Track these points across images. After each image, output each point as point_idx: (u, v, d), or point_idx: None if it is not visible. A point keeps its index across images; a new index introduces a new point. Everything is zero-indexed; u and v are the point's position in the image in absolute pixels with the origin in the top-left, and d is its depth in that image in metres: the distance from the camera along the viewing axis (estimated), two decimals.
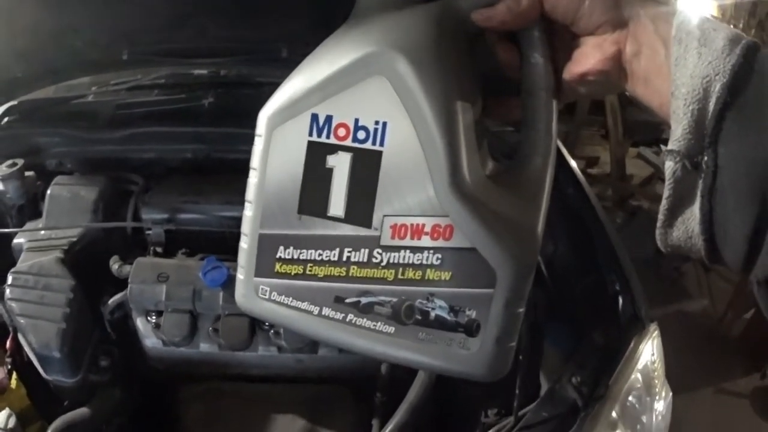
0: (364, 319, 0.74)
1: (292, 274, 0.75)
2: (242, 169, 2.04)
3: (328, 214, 0.72)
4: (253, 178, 0.76)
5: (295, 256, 0.74)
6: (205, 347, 1.73)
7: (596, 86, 0.75)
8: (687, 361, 1.89)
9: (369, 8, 0.77)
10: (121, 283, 1.74)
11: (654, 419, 1.58)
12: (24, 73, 2.11)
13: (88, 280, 1.71)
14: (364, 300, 0.74)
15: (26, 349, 1.62)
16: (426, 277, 0.71)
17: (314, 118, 0.71)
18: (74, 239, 1.78)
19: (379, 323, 0.74)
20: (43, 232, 1.80)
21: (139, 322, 1.74)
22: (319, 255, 0.74)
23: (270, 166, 0.74)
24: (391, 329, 0.74)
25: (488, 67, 0.80)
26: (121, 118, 2.19)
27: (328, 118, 0.71)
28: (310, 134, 0.72)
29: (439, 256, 0.71)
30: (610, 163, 6.58)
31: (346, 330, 0.75)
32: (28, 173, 1.95)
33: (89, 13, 1.90)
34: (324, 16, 1.95)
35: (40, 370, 1.63)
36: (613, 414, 1.50)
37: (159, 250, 1.88)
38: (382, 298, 0.73)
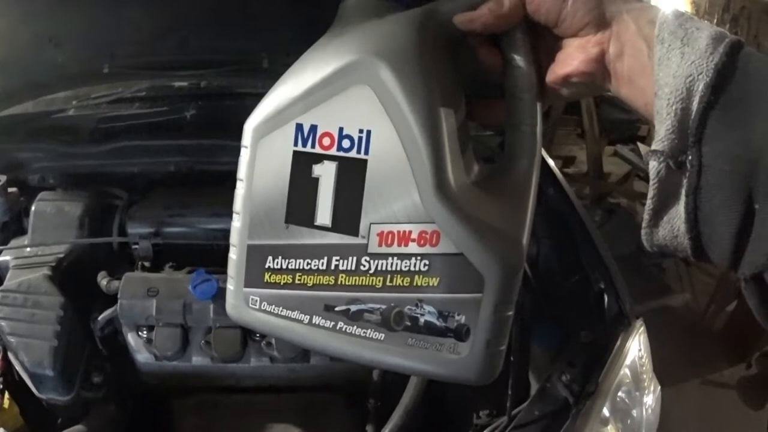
0: (354, 327, 0.75)
1: (282, 283, 0.76)
2: (226, 180, 2.04)
3: (315, 223, 0.73)
4: (240, 189, 0.77)
5: (284, 266, 0.75)
6: (197, 360, 1.73)
7: (580, 88, 0.76)
8: (672, 354, 1.90)
9: (351, 16, 0.77)
10: (111, 299, 1.73)
11: (644, 413, 1.60)
12: (3, 87, 2.10)
13: (77, 297, 1.71)
14: (353, 308, 0.74)
15: (18, 368, 1.61)
16: (414, 284, 0.72)
17: (299, 128, 0.72)
18: (61, 255, 1.77)
19: (369, 330, 0.75)
20: (29, 249, 1.79)
21: (130, 338, 1.73)
22: (308, 264, 0.74)
23: (257, 177, 0.75)
24: (381, 336, 0.75)
25: (472, 70, 0.80)
26: (103, 131, 2.18)
27: (313, 128, 0.71)
28: (296, 144, 0.72)
29: (427, 262, 0.71)
30: (587, 162, 6.59)
31: (337, 338, 0.75)
32: (10, 189, 1.94)
33: (69, 27, 1.89)
34: (305, 26, 1.96)
35: (33, 389, 1.63)
36: (604, 410, 1.51)
37: (147, 264, 1.88)
38: (372, 305, 0.73)
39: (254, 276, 0.77)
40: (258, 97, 2.03)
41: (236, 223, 0.77)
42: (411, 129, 0.69)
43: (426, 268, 0.71)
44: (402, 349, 0.75)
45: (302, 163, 0.72)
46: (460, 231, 0.70)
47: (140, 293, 1.69)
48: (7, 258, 1.78)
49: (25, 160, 2.07)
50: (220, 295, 1.66)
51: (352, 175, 0.71)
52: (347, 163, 0.70)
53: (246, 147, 0.76)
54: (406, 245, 0.71)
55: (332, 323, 0.75)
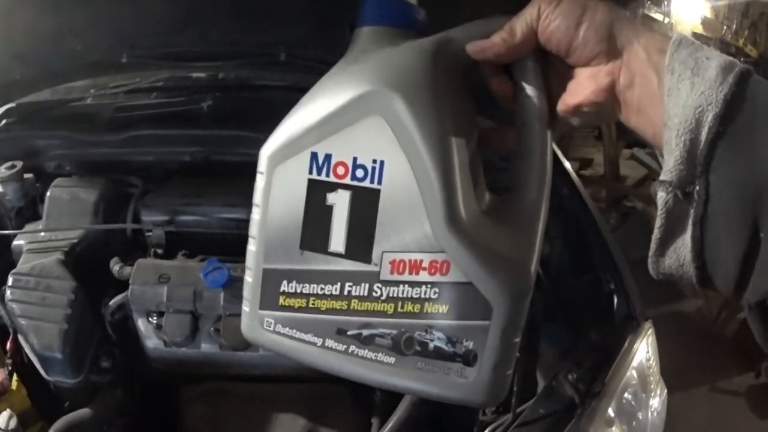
0: (366, 350, 0.76)
1: (296, 307, 0.77)
2: (241, 171, 2.05)
3: (329, 250, 0.74)
4: (255, 215, 0.78)
5: (299, 290, 0.76)
6: (206, 347, 1.74)
7: (590, 117, 0.76)
8: (682, 360, 1.90)
9: (365, 43, 0.79)
10: (122, 285, 1.74)
11: (650, 415, 1.60)
12: (23, 75, 2.11)
13: (89, 282, 1.72)
14: (365, 332, 0.75)
15: (27, 350, 1.62)
16: (424, 310, 0.73)
17: (314, 156, 0.73)
18: (75, 241, 1.79)
19: (379, 354, 0.76)
20: (43, 233, 1.81)
21: (141, 323, 1.74)
22: (321, 289, 0.75)
23: (272, 203, 0.76)
24: (392, 359, 0.76)
25: (483, 97, 0.81)
26: (120, 120, 2.19)
27: (327, 157, 0.72)
28: (310, 172, 0.73)
29: (437, 290, 0.72)
30: (603, 165, 6.58)
31: (348, 360, 0.77)
32: (27, 175, 1.95)
33: (89, 16, 1.90)
34: (322, 20, 1.98)
35: (42, 372, 1.64)
36: (610, 410, 1.51)
37: (159, 251, 1.89)
38: (383, 330, 0.75)
39: (269, 299, 0.78)
40: (275, 89, 2.06)
41: (252, 247, 0.78)
42: (423, 160, 0.70)
43: (436, 295, 0.72)
44: (411, 372, 0.76)
45: (317, 192, 0.73)
46: (470, 261, 0.71)
47: (152, 280, 1.70)
48: (21, 242, 1.79)
49: (41, 147, 2.09)
50: (230, 283, 1.67)
51: (366, 204, 0.72)
52: (361, 193, 0.71)
53: (262, 173, 0.77)
54: (417, 273, 0.72)
55: (344, 346, 0.76)
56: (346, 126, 0.72)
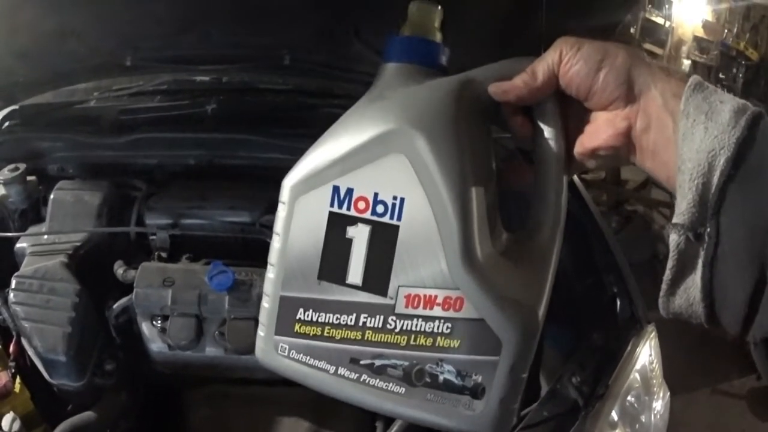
0: (377, 380, 0.78)
1: (311, 334, 0.78)
2: (245, 174, 2.05)
3: (347, 282, 0.75)
4: (275, 243, 0.78)
5: (314, 319, 0.77)
6: (211, 351, 1.73)
7: (606, 159, 0.78)
8: (683, 362, 1.91)
9: (390, 79, 0.80)
10: (126, 288, 1.74)
11: (653, 418, 1.61)
12: (26, 77, 2.12)
13: (92, 285, 1.72)
14: (377, 362, 0.77)
15: (30, 353, 1.62)
16: (436, 344, 0.75)
17: (336, 190, 0.74)
18: (78, 244, 1.79)
19: (390, 384, 0.78)
20: (46, 236, 1.80)
21: (145, 327, 1.74)
22: (337, 319, 0.77)
23: (293, 233, 0.77)
24: (402, 390, 0.78)
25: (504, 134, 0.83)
26: (124, 123, 2.19)
27: (349, 191, 0.74)
28: (332, 205, 0.75)
29: (449, 325, 0.74)
30: (604, 168, 6.58)
31: (360, 389, 0.79)
32: (30, 178, 1.95)
33: (92, 18, 1.90)
34: (326, 24, 1.99)
35: (45, 374, 1.64)
36: (613, 413, 1.52)
37: (163, 254, 1.89)
38: (395, 361, 0.76)
39: (285, 325, 0.79)
40: (279, 93, 2.07)
41: (270, 275, 0.79)
42: (443, 200, 0.71)
43: (448, 330, 0.74)
44: (421, 403, 0.78)
45: (337, 224, 0.74)
46: (483, 300, 0.73)
47: (156, 283, 1.70)
48: (24, 245, 1.79)
49: (44, 150, 2.09)
50: (235, 286, 1.68)
51: (384, 239, 0.73)
52: (380, 228, 0.73)
53: (284, 203, 0.79)
54: (431, 308, 0.73)
55: (357, 375, 0.78)
56: (368, 162, 0.73)
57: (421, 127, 0.72)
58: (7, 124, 2.22)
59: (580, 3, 1.89)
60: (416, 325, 0.74)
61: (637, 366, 1.64)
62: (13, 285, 1.65)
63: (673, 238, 0.66)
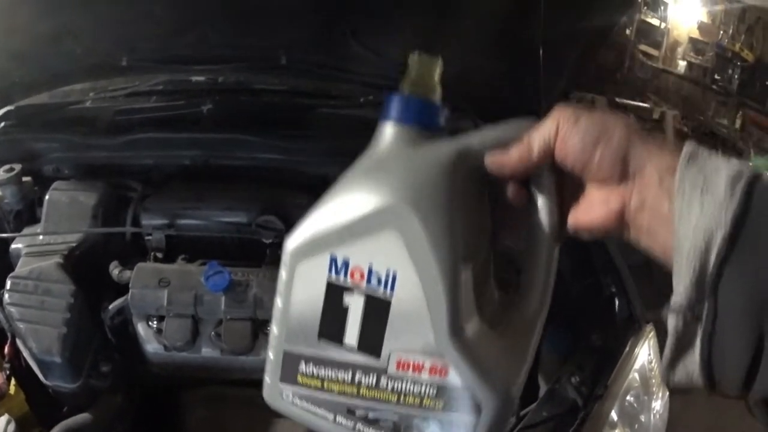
0: (370, 429, 0.81)
1: (312, 386, 0.81)
2: (241, 175, 2.05)
3: (344, 343, 0.77)
4: (278, 303, 0.80)
5: (315, 373, 0.80)
6: (207, 352, 1.73)
7: (599, 234, 0.77)
8: None
9: (387, 143, 0.80)
10: (121, 289, 1.74)
11: (652, 418, 1.60)
12: (22, 78, 2.11)
13: (88, 286, 1.71)
14: (371, 414, 0.80)
15: (26, 354, 1.62)
16: (423, 404, 0.78)
17: (333, 260, 0.76)
18: (74, 244, 1.78)
19: None
20: (41, 237, 1.80)
21: (140, 328, 1.73)
22: (335, 374, 0.79)
23: (293, 296, 0.79)
24: None
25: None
26: (120, 124, 2.19)
27: (345, 262, 0.75)
28: (329, 274, 0.76)
29: (435, 389, 0.77)
30: None
31: None
32: (25, 178, 1.94)
33: (89, 19, 1.90)
34: (323, 25, 1.99)
35: (40, 376, 1.63)
36: (612, 413, 1.51)
37: (159, 255, 1.89)
38: (386, 415, 0.80)
39: (288, 375, 0.82)
40: (275, 93, 2.05)
41: (274, 331, 0.80)
42: (433, 278, 0.73)
43: (434, 393, 0.77)
44: None
45: (334, 293, 0.76)
46: (466, 371, 0.75)
47: (152, 283, 1.70)
48: (19, 246, 1.79)
49: (40, 151, 2.08)
50: (231, 287, 1.67)
51: (378, 310, 0.75)
52: (373, 301, 0.75)
53: (285, 266, 0.79)
54: (419, 373, 0.77)
55: (352, 423, 0.81)
56: (364, 235, 0.74)
57: (415, 206, 0.73)
58: (2, 124, 2.21)
59: (578, 3, 1.89)
60: (405, 386, 0.78)
61: (636, 366, 1.64)
62: (8, 286, 1.64)
63: (671, 321, 0.66)
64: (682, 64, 10.21)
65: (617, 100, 7.66)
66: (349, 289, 0.76)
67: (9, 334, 1.63)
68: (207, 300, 1.69)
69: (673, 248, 0.65)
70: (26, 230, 1.86)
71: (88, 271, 1.77)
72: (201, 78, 2.46)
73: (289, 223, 1.91)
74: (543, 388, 1.66)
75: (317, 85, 2.52)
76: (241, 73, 2.44)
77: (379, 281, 0.75)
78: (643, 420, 1.59)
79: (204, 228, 1.91)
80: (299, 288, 0.78)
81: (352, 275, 0.75)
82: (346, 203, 0.76)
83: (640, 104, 8.53)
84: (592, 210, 0.74)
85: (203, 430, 1.75)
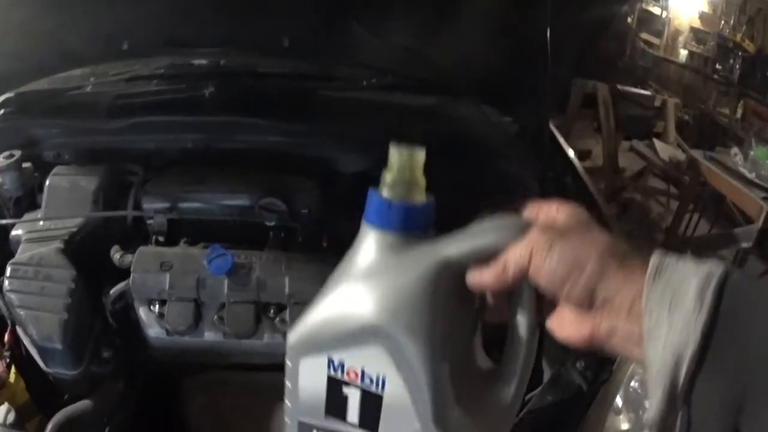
0: None
1: None
2: (243, 158, 2.03)
3: (347, 420, 0.85)
4: (288, 385, 0.87)
5: None
6: (209, 336, 1.71)
7: (576, 347, 0.79)
8: None
9: (371, 248, 0.83)
10: (123, 273, 1.72)
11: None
12: (21, 64, 2.10)
13: (88, 271, 1.70)
14: None
15: (26, 341, 1.60)
16: None
17: (330, 360, 0.82)
18: (74, 230, 1.77)
19: None
20: (42, 222, 1.79)
21: (142, 312, 1.72)
22: None
23: (300, 381, 0.85)
24: None
25: None
26: (120, 108, 2.17)
27: (341, 363, 0.82)
28: (329, 370, 0.83)
29: None
30: (602, 156, 6.61)
31: None
32: (25, 165, 1.94)
33: (89, 3, 1.88)
34: (326, 7, 1.97)
35: (41, 363, 1.62)
36: (617, 399, 1.51)
37: (161, 239, 1.88)
38: None
39: None
40: (277, 76, 2.03)
41: (288, 404, 0.88)
42: (417, 382, 0.79)
43: None
44: None
45: (335, 384, 0.83)
46: None
47: (153, 267, 1.69)
48: (20, 232, 1.77)
49: (40, 136, 2.07)
50: (234, 270, 1.67)
51: (372, 401, 0.82)
52: (368, 394, 0.82)
53: (290, 354, 0.85)
54: None
55: None
56: (355, 345, 0.81)
57: (399, 326, 0.78)
58: (2, 111, 2.19)
59: None
60: None
61: None
62: (8, 272, 1.63)
63: None
64: (683, 53, 10.20)
65: (619, 87, 7.63)
66: (347, 383, 0.83)
67: (9, 322, 1.61)
68: (209, 283, 1.68)
69: (644, 366, 0.67)
70: (26, 216, 1.85)
71: (89, 256, 1.75)
72: (203, 61, 2.43)
73: (292, 205, 1.91)
74: (547, 373, 1.65)
75: (320, 68, 2.51)
76: (244, 57, 2.43)
77: (371, 381, 0.82)
78: (647, 406, 1.58)
79: (206, 211, 1.89)
80: (304, 376, 0.85)
81: (348, 374, 0.83)
82: (336, 313, 0.82)
83: (642, 92, 8.50)
84: (565, 328, 0.76)
85: (206, 415, 1.74)
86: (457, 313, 0.83)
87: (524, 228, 0.77)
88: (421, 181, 0.81)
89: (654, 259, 0.68)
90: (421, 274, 0.79)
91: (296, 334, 0.84)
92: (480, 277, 0.78)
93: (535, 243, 0.73)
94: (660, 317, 0.65)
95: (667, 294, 0.65)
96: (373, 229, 0.82)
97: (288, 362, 0.86)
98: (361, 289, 0.81)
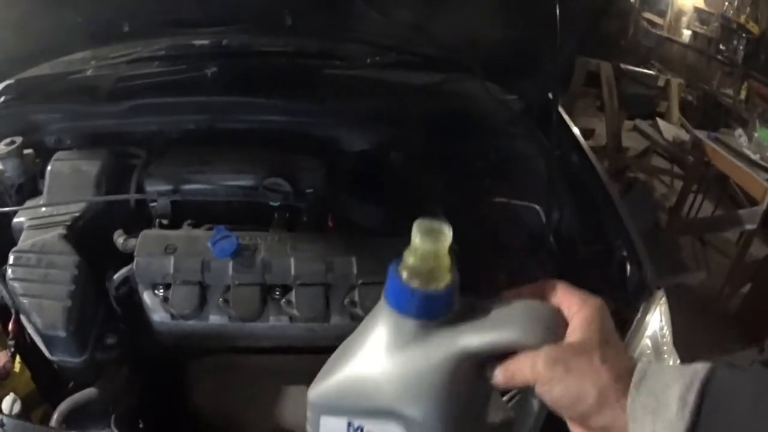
0: None
1: None
2: (247, 138, 2.01)
3: None
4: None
5: None
6: (215, 319, 1.69)
7: None
8: (686, 334, 1.89)
9: (389, 329, 0.83)
10: (126, 258, 1.70)
11: None
12: (21, 49, 2.08)
13: (92, 256, 1.68)
14: None
15: (30, 330, 1.59)
16: None
17: (350, 423, 0.86)
18: (77, 215, 1.75)
19: None
20: (44, 209, 1.77)
21: (146, 296, 1.69)
22: None
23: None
24: None
25: None
26: (122, 90, 2.15)
27: (360, 427, 0.85)
28: (348, 429, 0.86)
29: None
30: (606, 135, 6.60)
31: None
32: (26, 151, 1.92)
33: None
34: None
35: (45, 351, 1.60)
36: None
37: (164, 222, 1.86)
38: None
39: None
40: (280, 55, 2.01)
41: None
42: None
43: None
44: None
45: None
46: None
47: (157, 251, 1.67)
48: (22, 219, 1.76)
49: (41, 122, 2.06)
50: (239, 252, 1.64)
51: None
52: None
53: (310, 412, 0.88)
54: None
55: None
56: (374, 417, 0.84)
57: (417, 412, 0.81)
58: (3, 98, 2.17)
59: None
60: None
61: (648, 332, 1.62)
62: (10, 261, 1.61)
63: None
64: (686, 34, 10.13)
65: (622, 66, 7.60)
66: None
67: (12, 311, 1.60)
68: (214, 266, 1.66)
69: None
70: (28, 203, 1.83)
71: (93, 241, 1.74)
72: (204, 41, 2.40)
73: (296, 185, 1.89)
74: None
75: (322, 46, 2.48)
76: (246, 36, 2.39)
77: None
78: None
79: (210, 192, 1.88)
80: (325, 430, 0.88)
81: None
82: (358, 386, 0.84)
83: (645, 71, 8.47)
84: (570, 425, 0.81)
85: (211, 399, 1.71)
86: (473, 392, 0.85)
87: (546, 329, 0.80)
88: (446, 264, 0.80)
89: (638, 368, 0.73)
90: (441, 364, 0.81)
91: (317, 393, 0.86)
92: (492, 374, 0.82)
93: (540, 375, 0.77)
94: (644, 423, 0.69)
95: (650, 401, 0.70)
96: (393, 311, 0.81)
97: (309, 414, 0.87)
98: (383, 368, 0.83)
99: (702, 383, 0.68)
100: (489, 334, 0.81)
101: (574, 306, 0.81)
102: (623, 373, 0.74)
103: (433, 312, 0.81)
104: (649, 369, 0.73)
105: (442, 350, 0.81)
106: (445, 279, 0.80)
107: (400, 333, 0.82)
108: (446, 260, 0.80)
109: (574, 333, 0.79)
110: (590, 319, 0.79)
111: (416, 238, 0.78)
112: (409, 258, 0.79)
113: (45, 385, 1.61)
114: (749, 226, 4.90)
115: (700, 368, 0.70)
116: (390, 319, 0.82)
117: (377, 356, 0.83)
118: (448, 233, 0.78)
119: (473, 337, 0.81)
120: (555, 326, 0.81)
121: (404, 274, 0.79)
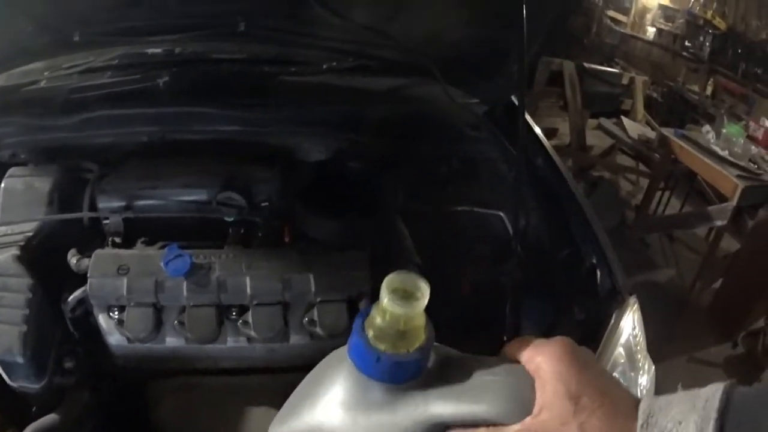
0: None
1: None
2: (201, 149, 1.97)
3: None
4: None
5: None
6: (171, 341, 1.66)
7: None
8: (658, 331, 1.89)
9: (357, 392, 0.79)
10: (82, 277, 1.66)
11: (639, 394, 1.55)
12: None
13: (47, 277, 1.64)
14: None
15: None
16: None
17: None
18: (30, 234, 1.72)
19: None
20: None
21: (102, 319, 1.66)
22: None
23: None
24: None
25: None
26: (75, 102, 2.08)
27: None
28: None
29: None
30: (569, 134, 6.64)
31: None
32: None
33: None
34: None
35: (5, 377, 1.56)
36: None
37: (117, 240, 1.82)
38: None
39: None
40: (234, 62, 1.95)
41: None
42: None
43: None
44: None
45: None
46: None
47: (110, 271, 1.63)
48: None
49: None
50: (193, 271, 1.61)
51: None
52: None
53: None
54: None
55: None
56: None
57: None
58: None
59: None
60: None
61: (622, 340, 1.60)
62: None
63: None
64: (651, 31, 10.21)
65: (585, 65, 7.65)
66: None
67: None
68: (168, 286, 1.62)
69: None
70: None
71: (47, 260, 1.70)
72: (157, 50, 2.35)
73: (251, 198, 1.86)
74: None
75: (278, 51, 2.43)
76: (199, 43, 2.33)
77: None
78: None
79: (162, 208, 1.83)
80: None
81: None
82: None
83: (609, 69, 8.53)
84: None
85: (173, 420, 1.68)
86: None
87: (520, 405, 0.74)
88: (418, 325, 0.75)
89: (642, 408, 0.68)
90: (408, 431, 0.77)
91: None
92: None
93: None
94: None
95: None
96: (357, 370, 0.77)
97: None
98: (344, 428, 0.79)
99: (719, 412, 0.64)
100: (461, 406, 0.77)
101: (537, 357, 0.76)
102: (621, 421, 0.69)
103: (401, 378, 0.77)
104: (654, 406, 0.68)
105: (410, 418, 0.77)
106: (417, 341, 0.75)
107: (365, 395, 0.78)
108: (419, 320, 0.75)
109: (543, 392, 0.74)
110: (557, 374, 0.74)
111: (384, 299, 0.73)
112: (377, 318, 0.74)
113: (10, 410, 1.59)
114: (719, 222, 4.94)
115: (711, 394, 0.66)
116: (353, 377, 0.79)
117: (338, 414, 0.79)
118: (424, 293, 0.73)
119: (444, 406, 0.77)
120: (529, 402, 0.75)
121: (370, 334, 0.75)
